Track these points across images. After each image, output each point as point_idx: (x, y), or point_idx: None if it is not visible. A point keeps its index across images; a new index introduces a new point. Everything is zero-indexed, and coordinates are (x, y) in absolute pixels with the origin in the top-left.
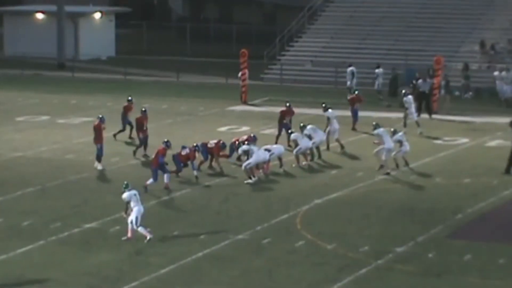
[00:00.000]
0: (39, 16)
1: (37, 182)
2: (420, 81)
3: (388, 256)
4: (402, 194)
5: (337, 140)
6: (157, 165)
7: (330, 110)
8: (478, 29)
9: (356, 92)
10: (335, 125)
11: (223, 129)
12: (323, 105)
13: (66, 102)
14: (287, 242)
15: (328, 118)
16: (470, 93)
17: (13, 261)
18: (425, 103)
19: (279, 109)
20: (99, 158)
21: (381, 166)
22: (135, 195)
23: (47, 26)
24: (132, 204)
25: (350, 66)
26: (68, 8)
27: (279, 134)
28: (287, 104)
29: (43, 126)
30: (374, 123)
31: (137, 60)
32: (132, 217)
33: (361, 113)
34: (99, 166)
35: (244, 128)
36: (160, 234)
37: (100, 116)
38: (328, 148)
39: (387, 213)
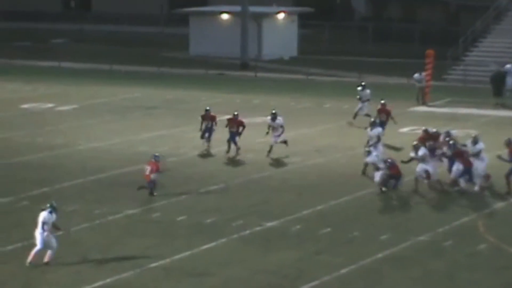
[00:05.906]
0: (224, 16)
1: (220, 180)
2: None
3: None
4: None
5: None
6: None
7: None
8: None
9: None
10: None
11: (405, 129)
12: None
13: (249, 102)
14: (468, 245)
15: None
16: None
17: (196, 257)
18: None
19: (462, 110)
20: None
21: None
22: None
23: (231, 26)
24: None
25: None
26: (252, 9)
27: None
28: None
29: (225, 124)
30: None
31: (319, 60)
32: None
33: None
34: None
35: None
36: (341, 234)
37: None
38: None
39: None
